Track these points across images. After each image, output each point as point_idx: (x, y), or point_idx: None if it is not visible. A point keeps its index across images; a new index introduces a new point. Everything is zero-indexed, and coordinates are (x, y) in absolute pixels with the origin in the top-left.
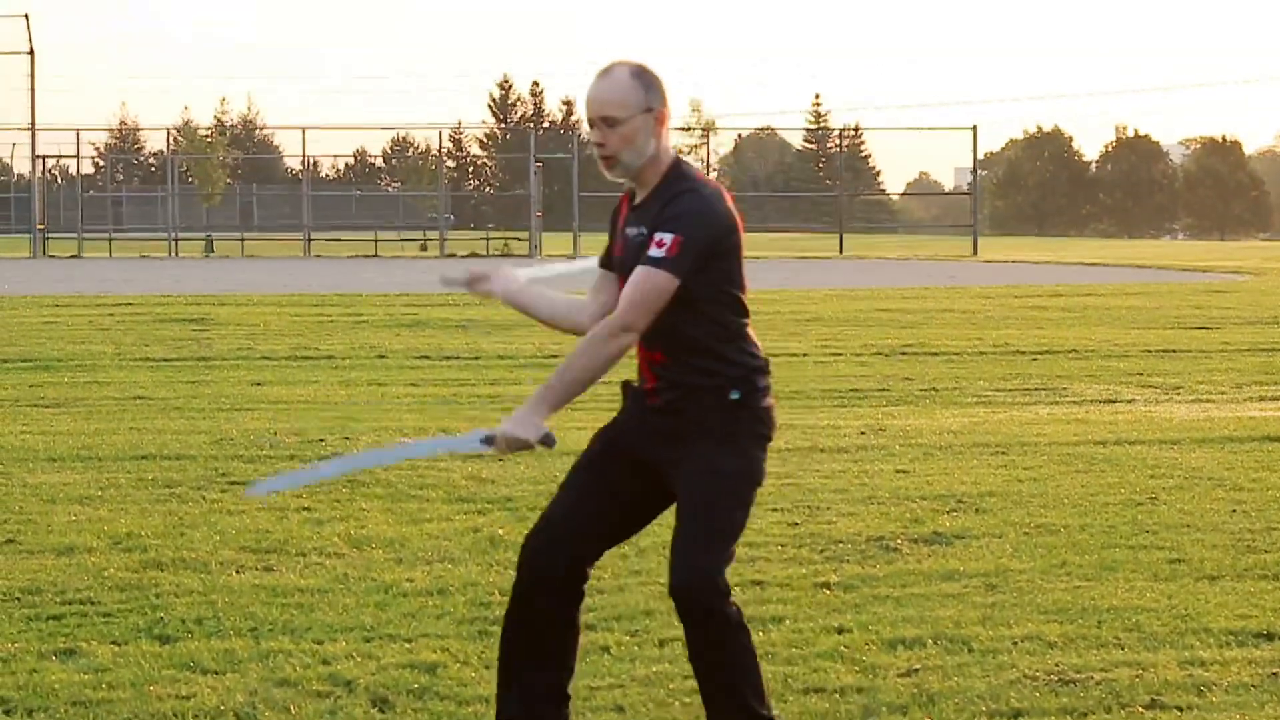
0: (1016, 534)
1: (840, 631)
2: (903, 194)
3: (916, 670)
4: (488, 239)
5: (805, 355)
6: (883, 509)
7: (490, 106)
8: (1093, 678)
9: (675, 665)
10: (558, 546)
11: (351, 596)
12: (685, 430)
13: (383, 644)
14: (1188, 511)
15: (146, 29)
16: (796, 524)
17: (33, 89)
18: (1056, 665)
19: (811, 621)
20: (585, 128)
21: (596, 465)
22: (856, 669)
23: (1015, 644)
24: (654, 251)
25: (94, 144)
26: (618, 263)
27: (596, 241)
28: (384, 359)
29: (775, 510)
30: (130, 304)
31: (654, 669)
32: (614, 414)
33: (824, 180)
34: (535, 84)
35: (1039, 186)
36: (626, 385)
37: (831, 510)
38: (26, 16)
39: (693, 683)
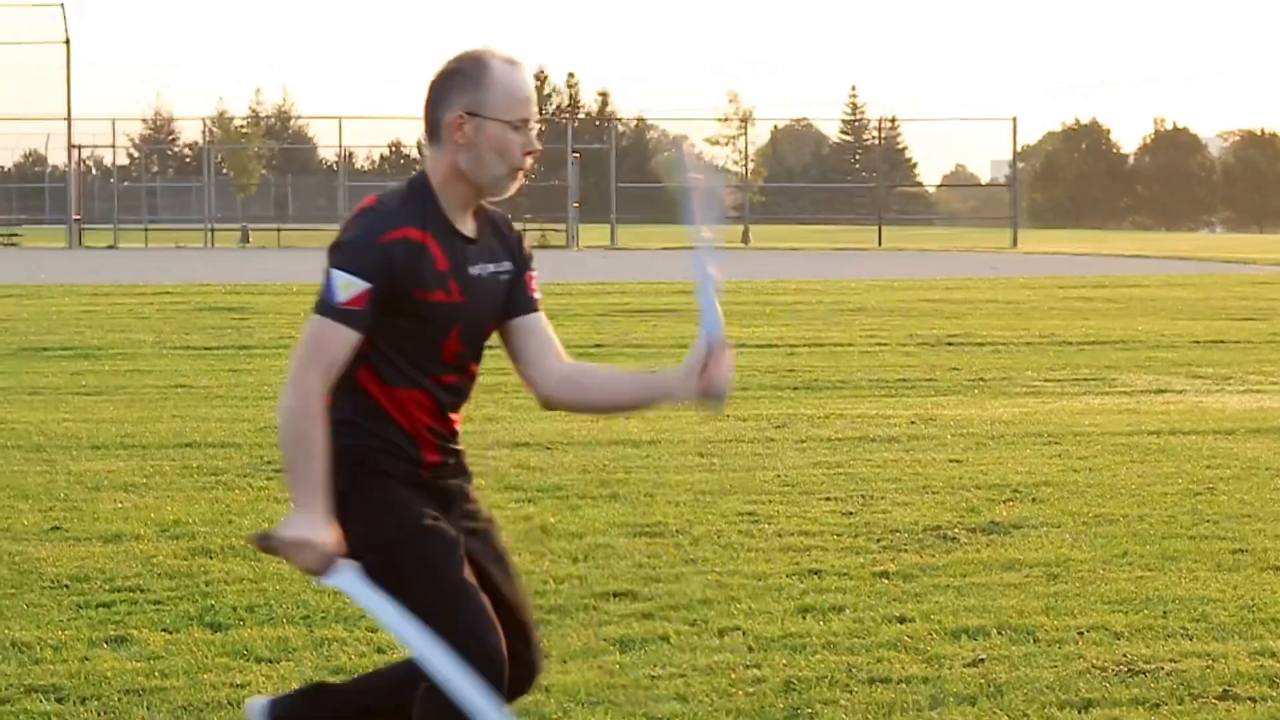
0: (1075, 524)
1: (902, 621)
2: (939, 186)
3: (982, 660)
4: (524, 230)
5: (850, 345)
6: (938, 498)
7: None
8: (1163, 668)
9: (736, 655)
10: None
11: None
12: (466, 488)
13: None
14: (1247, 502)
15: (181, 19)
16: (851, 513)
17: (68, 79)
18: (1125, 656)
19: (872, 611)
20: (492, 134)
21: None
22: (921, 659)
23: (1081, 634)
24: (538, 295)
25: (129, 134)
26: (470, 309)
27: (633, 233)
28: None
29: (829, 499)
30: (169, 293)
31: (715, 658)
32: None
33: (860, 172)
34: (570, 75)
35: (1077, 179)
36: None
37: (886, 499)
38: (62, 6)
39: (755, 672)
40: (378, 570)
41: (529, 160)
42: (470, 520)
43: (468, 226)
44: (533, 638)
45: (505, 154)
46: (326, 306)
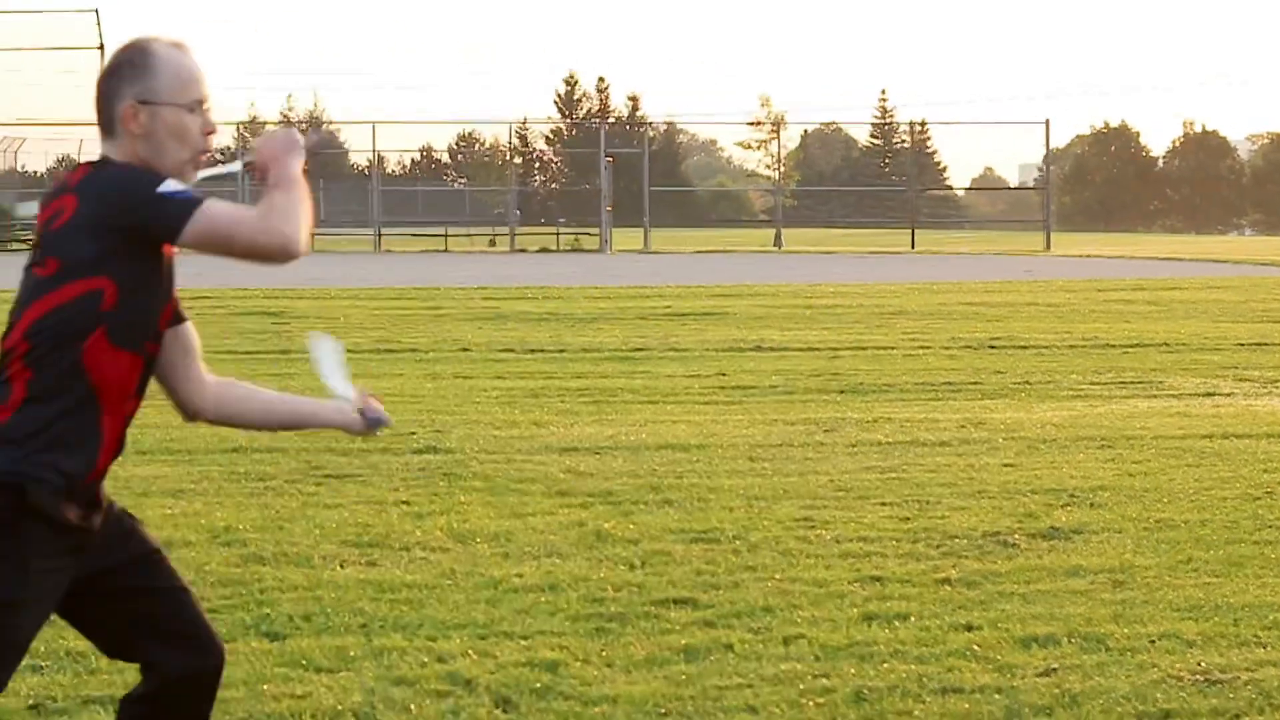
0: (1136, 529)
1: (970, 629)
2: (968, 189)
3: (1055, 669)
4: (558, 234)
5: (893, 348)
6: (994, 503)
7: (556, 103)
8: (1239, 677)
9: (803, 664)
10: None
11: (461, 592)
12: (116, 508)
13: (498, 641)
14: None
15: (212, 24)
16: (908, 519)
17: None
18: (1199, 664)
19: (938, 619)
20: (199, 119)
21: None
22: (992, 668)
23: (1153, 642)
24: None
25: None
26: (169, 291)
27: (667, 236)
28: (468, 351)
29: (885, 505)
30: (208, 297)
31: (781, 667)
32: None
33: (890, 175)
34: (601, 79)
35: (1106, 182)
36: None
37: (942, 505)
38: (96, 12)
39: (824, 681)
40: None
41: (210, 140)
42: (130, 547)
43: None
44: (215, 644)
45: (183, 138)
46: (192, 200)
